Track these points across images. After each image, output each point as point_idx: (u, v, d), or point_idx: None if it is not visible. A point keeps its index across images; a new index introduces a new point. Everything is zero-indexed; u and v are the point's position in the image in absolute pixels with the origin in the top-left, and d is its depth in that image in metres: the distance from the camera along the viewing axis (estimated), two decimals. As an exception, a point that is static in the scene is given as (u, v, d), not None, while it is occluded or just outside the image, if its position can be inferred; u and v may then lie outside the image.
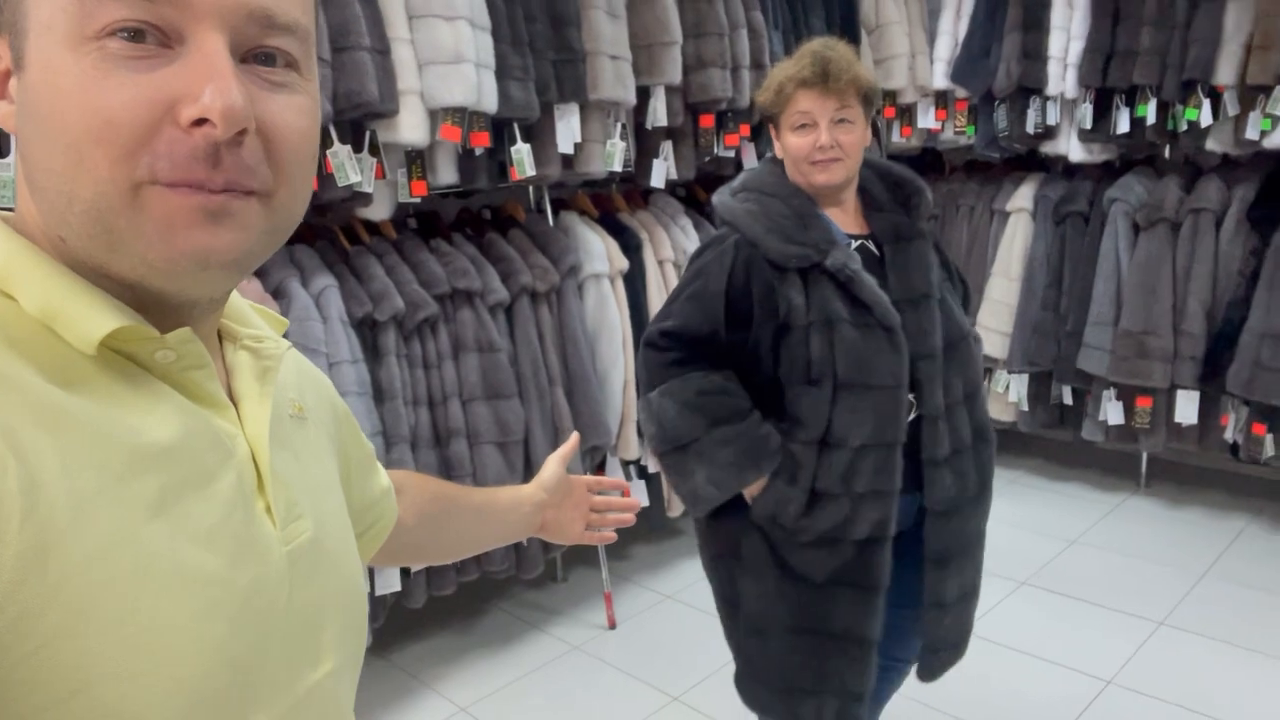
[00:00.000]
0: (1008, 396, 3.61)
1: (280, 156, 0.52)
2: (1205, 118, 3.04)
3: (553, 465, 1.11)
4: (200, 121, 0.48)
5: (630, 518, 1.18)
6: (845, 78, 1.54)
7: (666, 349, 1.62)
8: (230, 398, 0.59)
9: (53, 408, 0.47)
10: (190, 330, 0.54)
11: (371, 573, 2.37)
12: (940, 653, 1.74)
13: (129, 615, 0.46)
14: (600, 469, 2.81)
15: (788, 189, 1.62)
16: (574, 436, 1.16)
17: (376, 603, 2.41)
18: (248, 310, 0.66)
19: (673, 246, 2.97)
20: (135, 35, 0.48)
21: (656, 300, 2.90)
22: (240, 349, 0.62)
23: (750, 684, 1.73)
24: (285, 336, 0.67)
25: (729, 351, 1.60)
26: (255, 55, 0.51)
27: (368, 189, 2.21)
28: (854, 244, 1.61)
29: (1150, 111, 3.18)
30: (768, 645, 1.66)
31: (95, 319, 0.50)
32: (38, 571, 0.43)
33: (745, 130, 3.06)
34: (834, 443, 1.54)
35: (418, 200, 2.41)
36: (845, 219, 1.64)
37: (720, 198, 1.67)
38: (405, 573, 2.45)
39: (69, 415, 0.47)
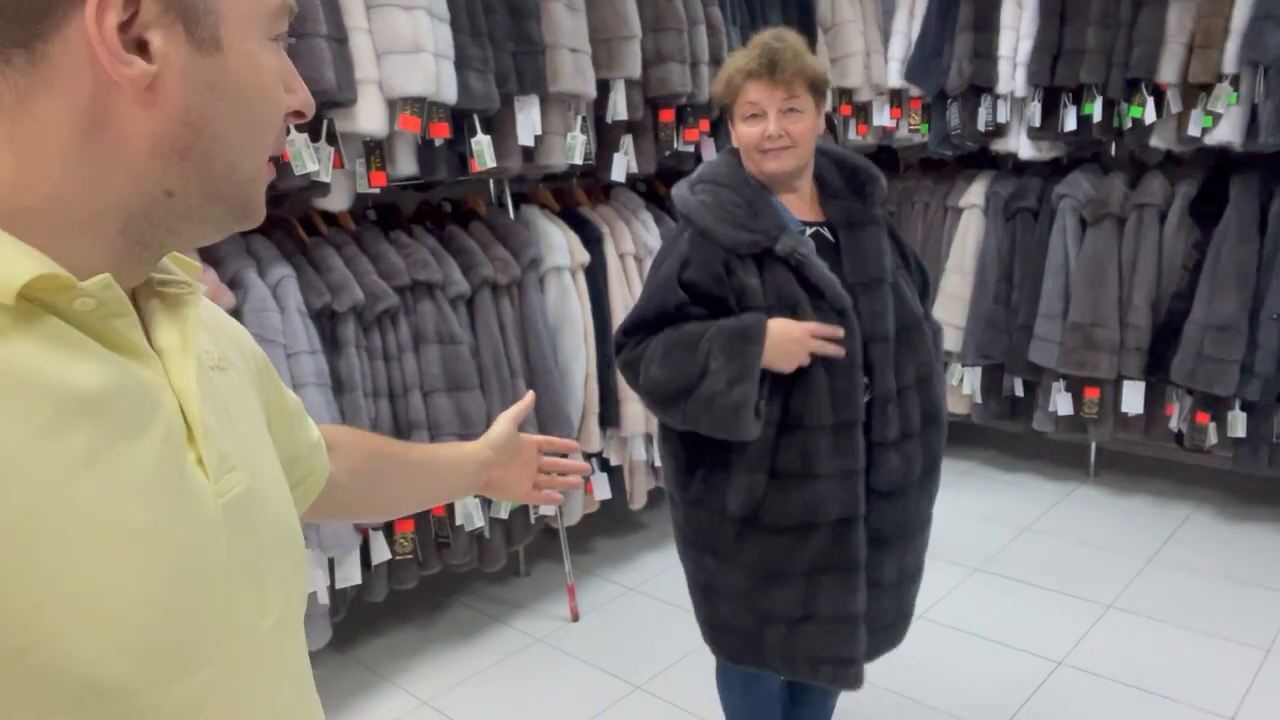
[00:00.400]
0: (961, 389, 3.68)
1: None
2: (1149, 115, 3.14)
3: (503, 424, 1.09)
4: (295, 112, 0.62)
5: (578, 480, 1.18)
6: (791, 69, 1.57)
7: (629, 339, 1.67)
8: (152, 348, 0.58)
9: None
10: (110, 277, 0.52)
11: (331, 565, 2.35)
12: (876, 632, 1.73)
13: (66, 570, 0.46)
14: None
15: (740, 178, 1.65)
16: (529, 395, 1.16)
17: (337, 596, 2.39)
18: None
19: (634, 240, 2.99)
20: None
21: (618, 293, 2.92)
22: (153, 296, 0.61)
23: (741, 660, 1.73)
24: (244, 326, 0.68)
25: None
26: None
27: (325, 179, 2.19)
28: (808, 230, 1.64)
29: (1096, 109, 3.27)
30: (756, 634, 1.67)
31: (11, 269, 0.48)
32: None
33: (705, 125, 3.08)
34: (791, 424, 1.57)
35: (377, 191, 2.39)
36: (800, 206, 1.67)
37: (678, 190, 1.70)
38: (366, 566, 2.43)
39: None
